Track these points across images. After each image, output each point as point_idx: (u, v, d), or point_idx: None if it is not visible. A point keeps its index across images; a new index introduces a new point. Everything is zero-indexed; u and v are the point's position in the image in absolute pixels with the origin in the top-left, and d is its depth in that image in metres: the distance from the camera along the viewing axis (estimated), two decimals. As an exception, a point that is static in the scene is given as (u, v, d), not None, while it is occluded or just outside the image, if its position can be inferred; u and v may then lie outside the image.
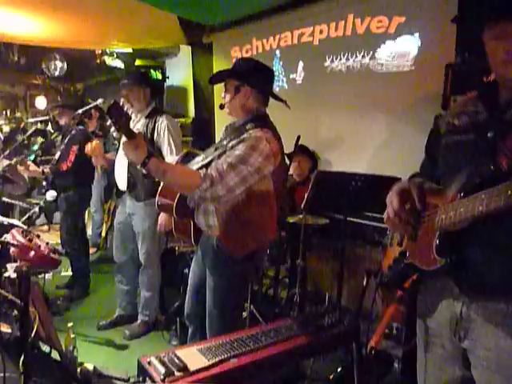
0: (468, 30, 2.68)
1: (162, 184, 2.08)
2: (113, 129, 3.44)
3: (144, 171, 1.68)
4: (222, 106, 1.99)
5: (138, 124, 2.91)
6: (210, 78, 2.04)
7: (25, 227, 1.72)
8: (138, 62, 5.43)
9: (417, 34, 3.05)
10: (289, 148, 3.40)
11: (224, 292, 1.99)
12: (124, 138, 1.65)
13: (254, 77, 1.93)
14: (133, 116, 2.96)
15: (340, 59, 3.55)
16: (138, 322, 3.10)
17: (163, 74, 5.34)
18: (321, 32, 3.70)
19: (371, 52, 3.33)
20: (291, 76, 3.99)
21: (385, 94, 3.28)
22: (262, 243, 2.09)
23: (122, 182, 2.91)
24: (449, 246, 1.12)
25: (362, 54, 3.39)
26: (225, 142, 1.90)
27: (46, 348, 2.20)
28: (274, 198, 2.00)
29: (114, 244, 3.21)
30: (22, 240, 1.46)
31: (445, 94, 2.70)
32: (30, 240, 1.49)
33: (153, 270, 3.07)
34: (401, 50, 3.15)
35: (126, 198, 2.99)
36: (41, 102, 6.98)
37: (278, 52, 4.10)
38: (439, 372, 1.26)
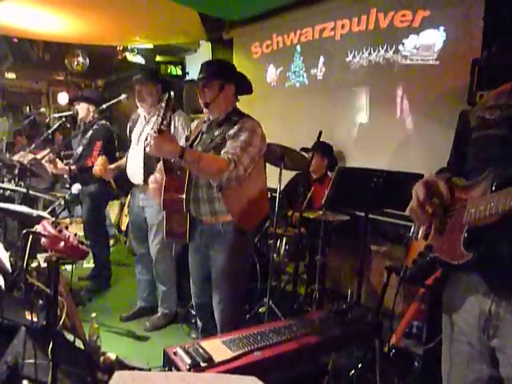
0: (496, 23, 2.65)
1: (164, 183, 2.15)
2: None
3: (180, 162, 1.82)
4: (207, 105, 2.10)
5: (152, 119, 2.94)
6: (197, 81, 2.14)
7: (53, 219, 1.77)
8: (158, 58, 5.48)
9: (442, 28, 3.00)
10: (309, 144, 3.41)
11: (237, 269, 2.15)
12: (151, 136, 1.76)
13: (234, 75, 2.15)
14: (143, 112, 2.99)
15: (362, 54, 3.51)
16: (159, 314, 3.14)
17: (183, 69, 5.38)
18: (342, 27, 3.67)
19: (394, 46, 3.29)
20: (312, 71, 3.97)
21: (408, 89, 3.24)
22: (264, 214, 2.31)
23: (137, 176, 2.94)
24: (477, 240, 1.10)
25: (384, 49, 3.35)
26: (216, 133, 2.09)
27: (70, 337, 2.25)
28: (264, 173, 2.31)
29: (132, 237, 3.27)
30: (53, 231, 1.51)
31: (471, 89, 2.64)
32: (60, 231, 1.53)
33: (165, 263, 3.08)
34: (425, 44, 3.10)
35: (137, 192, 3.03)
36: (63, 98, 7.14)
37: (298, 47, 4.09)
38: (466, 370, 1.24)
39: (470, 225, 1.11)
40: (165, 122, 1.77)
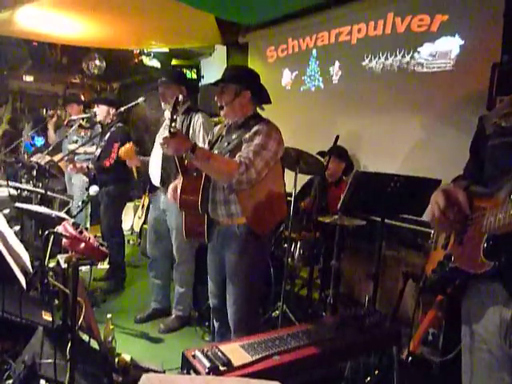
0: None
1: (180, 185, 2.17)
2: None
3: (192, 157, 1.85)
4: (222, 107, 2.15)
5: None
6: (214, 83, 2.19)
7: (72, 220, 1.80)
8: (174, 62, 5.53)
9: (460, 32, 2.96)
10: (324, 148, 3.40)
11: (251, 272, 2.16)
12: (162, 135, 1.84)
13: (251, 83, 2.16)
14: (167, 113, 3.03)
15: (379, 58, 3.49)
16: (173, 316, 3.15)
17: (198, 73, 5.42)
18: (359, 31, 3.65)
19: (411, 51, 3.26)
20: (327, 76, 3.96)
21: (425, 94, 3.20)
22: (280, 218, 2.31)
23: (156, 177, 2.98)
24: (497, 248, 1.09)
25: (401, 54, 3.33)
26: (234, 137, 2.13)
27: (85, 337, 2.27)
28: (282, 178, 2.33)
29: (148, 239, 3.28)
30: (74, 232, 1.53)
31: (490, 94, 2.61)
32: (81, 232, 1.55)
33: (186, 265, 3.12)
34: (443, 48, 3.07)
35: (160, 193, 3.05)
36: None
37: (314, 51, 4.08)
38: (486, 379, 1.22)
39: (489, 233, 1.10)
40: (173, 124, 1.83)
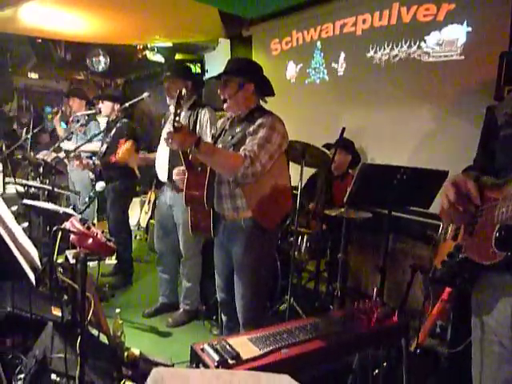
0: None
1: (185, 180, 2.17)
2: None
3: (196, 152, 1.83)
4: (225, 100, 2.14)
5: (181, 115, 2.95)
6: (217, 76, 2.17)
7: (80, 216, 1.81)
8: (177, 56, 5.51)
9: (467, 21, 2.91)
10: (330, 141, 3.38)
11: (258, 265, 2.16)
12: (167, 130, 1.84)
13: (254, 76, 2.16)
14: (172, 108, 3.02)
15: (384, 49, 3.45)
16: (180, 310, 3.18)
17: (202, 67, 5.40)
18: (364, 22, 3.61)
19: (417, 41, 3.21)
20: (332, 68, 3.92)
21: (432, 85, 3.17)
22: (286, 212, 2.30)
23: (163, 173, 2.98)
24: (509, 239, 1.08)
25: (407, 44, 3.29)
26: (237, 130, 2.12)
27: (94, 332, 2.29)
28: (287, 171, 2.31)
29: (155, 235, 3.30)
30: (81, 228, 1.54)
31: (498, 83, 2.57)
32: (89, 228, 1.56)
33: (193, 260, 3.13)
34: (449, 38, 3.02)
35: (167, 189, 3.05)
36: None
37: (318, 43, 4.05)
38: (497, 371, 1.22)
39: (501, 224, 1.09)
40: (177, 118, 1.82)
